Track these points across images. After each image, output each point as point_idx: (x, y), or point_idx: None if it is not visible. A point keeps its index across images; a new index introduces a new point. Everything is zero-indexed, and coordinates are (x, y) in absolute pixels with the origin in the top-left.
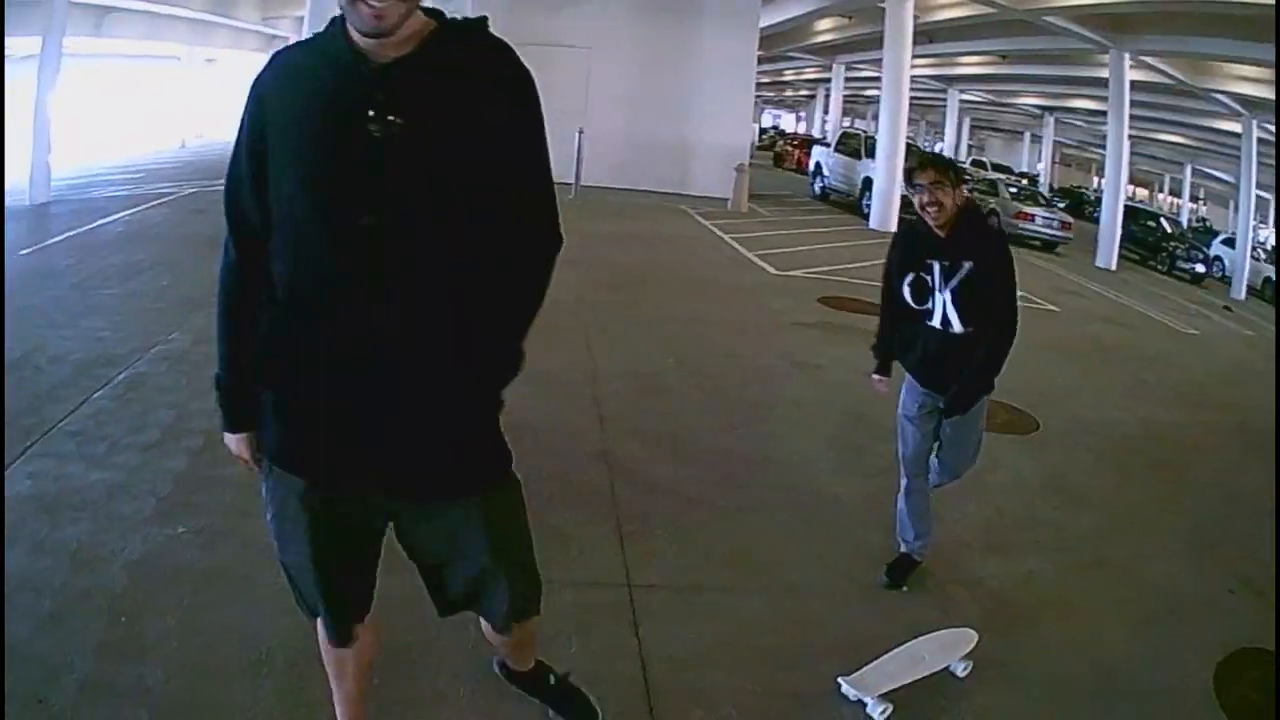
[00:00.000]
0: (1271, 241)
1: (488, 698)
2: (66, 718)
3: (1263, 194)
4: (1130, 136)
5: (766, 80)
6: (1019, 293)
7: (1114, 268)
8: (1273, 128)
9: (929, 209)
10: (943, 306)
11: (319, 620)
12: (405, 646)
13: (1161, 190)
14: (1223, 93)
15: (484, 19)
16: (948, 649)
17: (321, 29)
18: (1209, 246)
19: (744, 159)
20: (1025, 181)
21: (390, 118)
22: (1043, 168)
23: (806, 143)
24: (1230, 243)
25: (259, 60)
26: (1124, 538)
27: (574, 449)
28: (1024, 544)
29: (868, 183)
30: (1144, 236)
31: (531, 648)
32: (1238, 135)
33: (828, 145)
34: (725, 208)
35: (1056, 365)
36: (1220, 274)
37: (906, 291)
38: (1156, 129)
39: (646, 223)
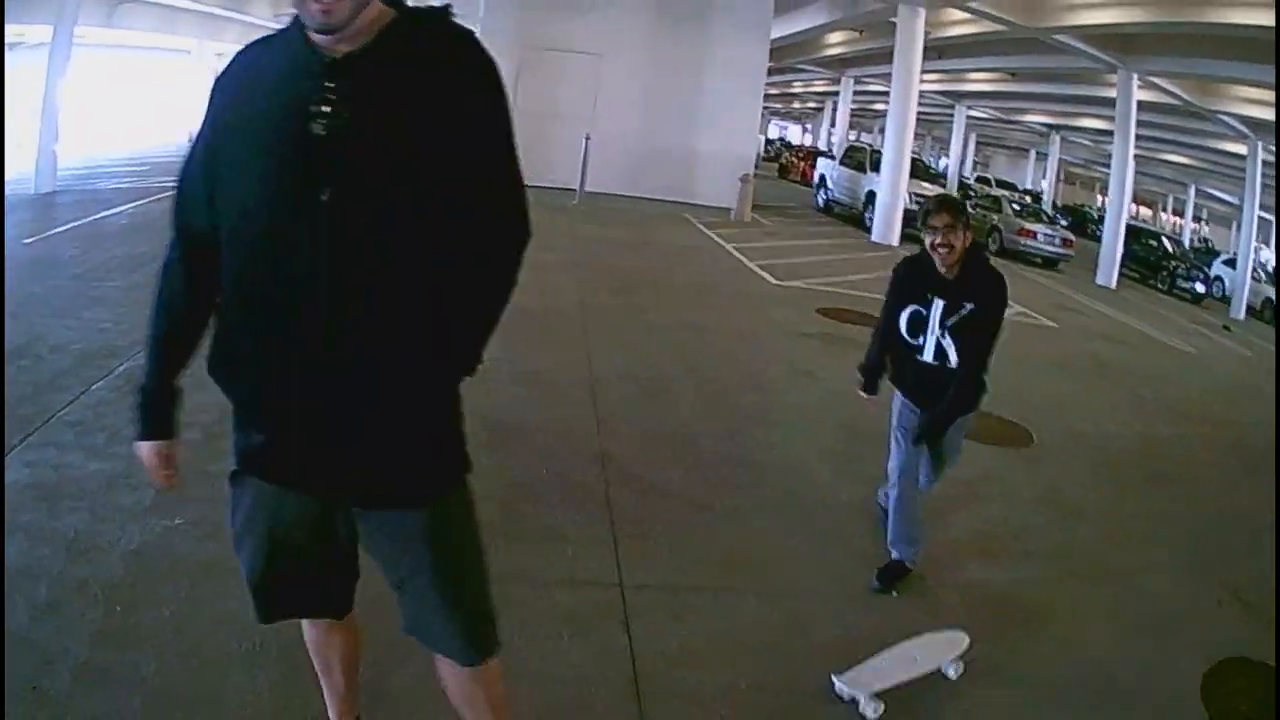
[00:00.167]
0: (1272, 263)
1: None
2: (61, 705)
3: (1265, 215)
4: (1135, 156)
5: (775, 92)
6: (1017, 308)
7: (1114, 286)
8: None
9: (939, 249)
10: (936, 343)
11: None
12: (399, 639)
13: (1165, 210)
14: (1228, 114)
15: (447, 8)
16: (940, 650)
17: None
18: (1210, 267)
19: (749, 169)
20: (1029, 199)
21: (338, 112)
22: (1047, 185)
23: (812, 155)
24: (1231, 263)
25: None
26: (1117, 549)
27: (571, 450)
28: (1016, 553)
29: (871, 196)
30: (1145, 255)
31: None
32: (1242, 157)
33: (833, 158)
34: (729, 217)
35: (1053, 380)
36: (1220, 294)
37: (903, 324)
38: (1161, 149)
39: (649, 229)
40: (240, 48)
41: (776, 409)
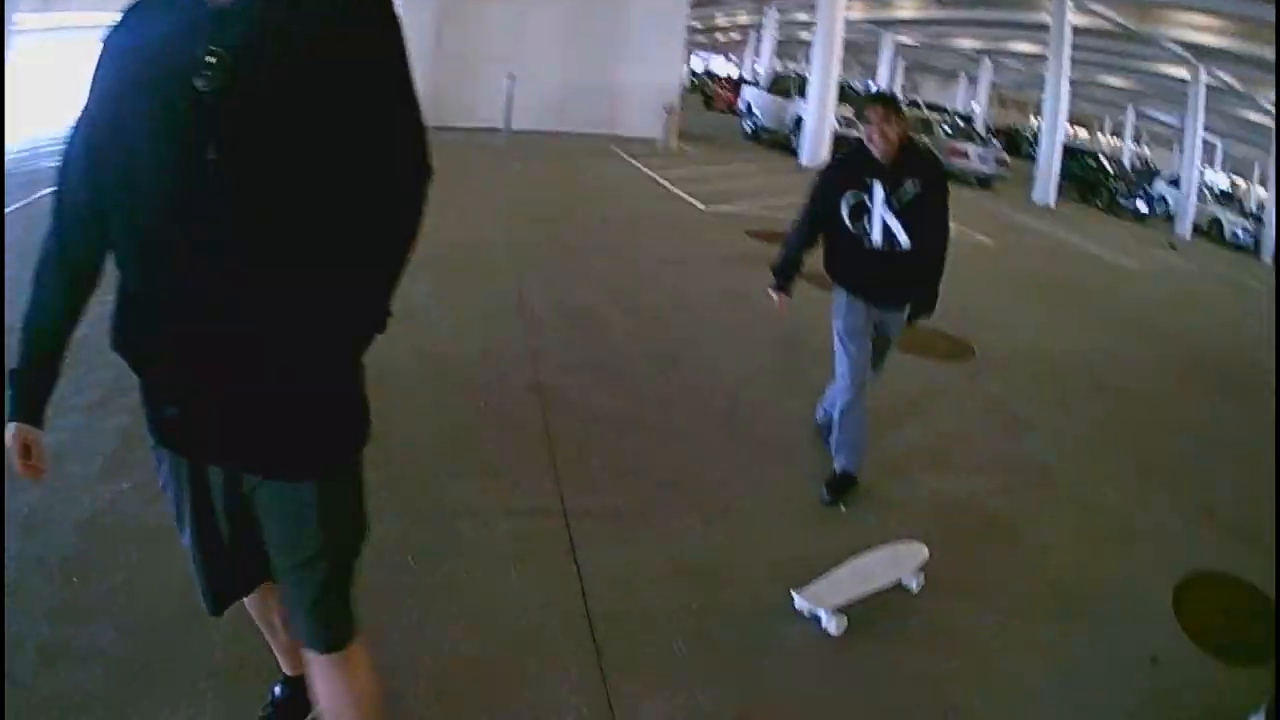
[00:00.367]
0: (1220, 185)
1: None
2: (29, 686)
3: (1209, 139)
4: (1071, 81)
5: (699, 25)
6: (954, 226)
7: (1053, 204)
8: (1223, 75)
9: (876, 139)
10: (883, 225)
11: None
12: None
13: (1102, 131)
14: (1170, 39)
15: None
16: (899, 562)
17: None
18: (1151, 186)
19: (674, 100)
20: (960, 121)
21: (221, 64)
22: (979, 109)
23: (736, 85)
24: (1175, 183)
25: None
26: (1070, 461)
27: (506, 382)
28: (966, 465)
29: (799, 121)
30: (1083, 175)
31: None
32: (1183, 80)
33: (759, 86)
34: (655, 148)
35: (993, 296)
36: (1164, 213)
37: (845, 211)
38: (1098, 72)
39: (576, 163)
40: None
41: (709, 330)
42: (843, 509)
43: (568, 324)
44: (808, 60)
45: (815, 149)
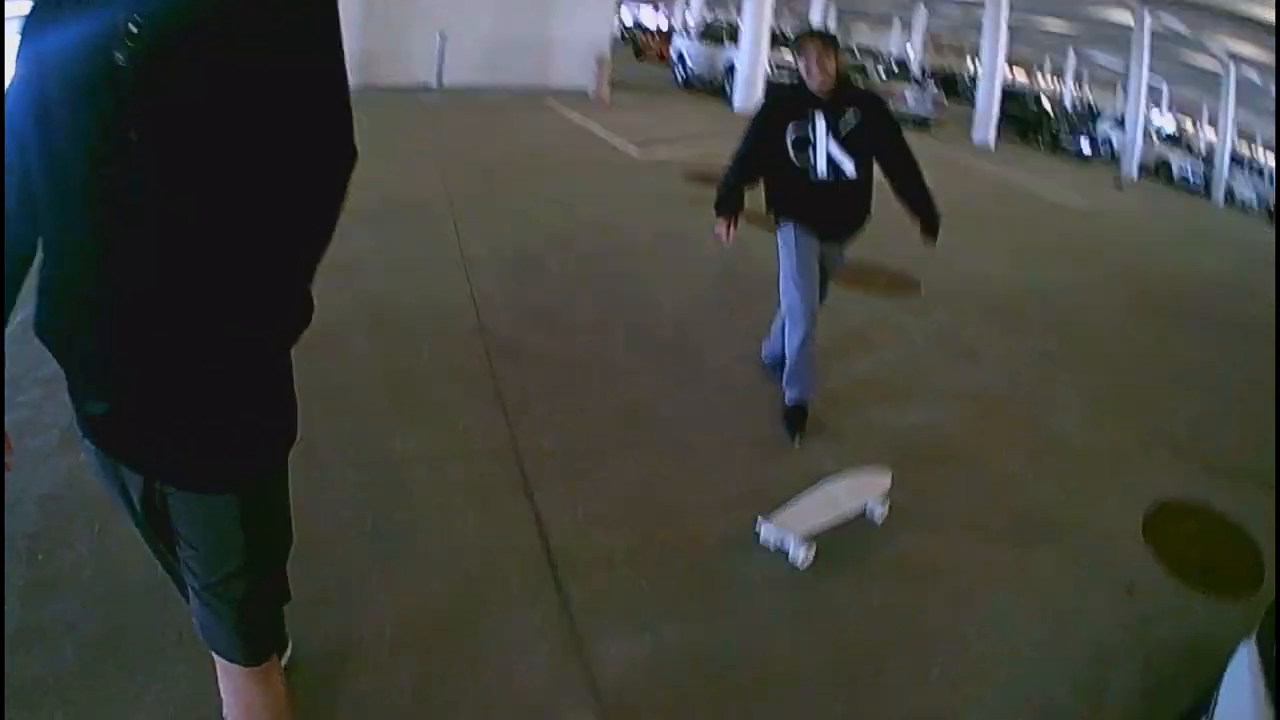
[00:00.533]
0: (1167, 129)
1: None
2: (9, 674)
3: (1154, 82)
4: (1010, 27)
5: None
6: None
7: (992, 144)
8: (1169, 19)
9: (814, 72)
10: (827, 156)
11: None
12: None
13: (1043, 73)
14: None
15: None
16: (862, 490)
17: None
18: (1095, 128)
19: (605, 51)
20: (895, 66)
21: (141, 37)
22: (914, 53)
23: (667, 35)
24: (1120, 124)
25: None
26: (1023, 391)
27: (451, 330)
28: (917, 395)
29: (731, 68)
30: (1023, 117)
31: None
32: (1126, 26)
33: (690, 35)
34: (587, 99)
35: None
36: (1109, 154)
37: (789, 145)
38: (1038, 16)
39: (509, 116)
40: None
41: (650, 271)
42: (797, 443)
43: (508, 270)
44: (738, 9)
45: (748, 95)
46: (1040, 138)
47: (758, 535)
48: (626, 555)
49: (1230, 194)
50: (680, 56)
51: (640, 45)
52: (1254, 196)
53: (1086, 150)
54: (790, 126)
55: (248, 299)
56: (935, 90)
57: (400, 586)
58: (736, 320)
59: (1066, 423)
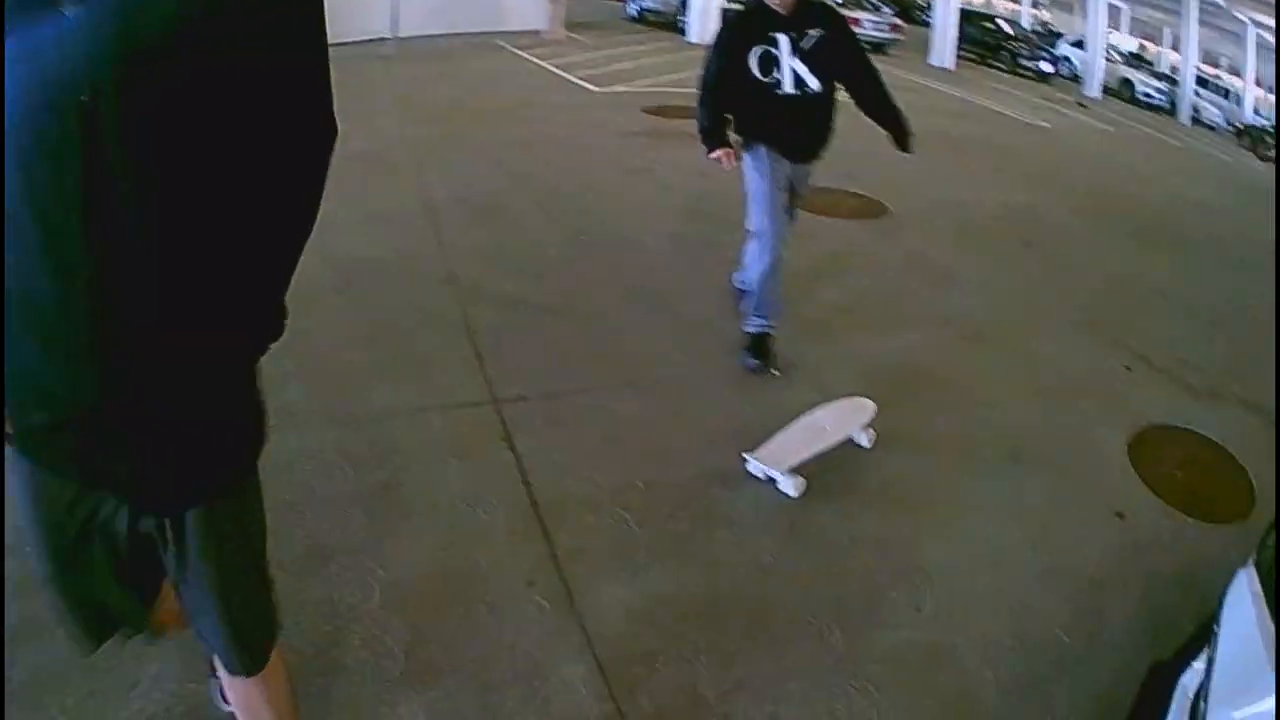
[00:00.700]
0: (1127, 47)
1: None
2: (11, 673)
3: (1116, 2)
4: None
5: None
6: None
7: (952, 67)
8: None
9: None
10: (793, 72)
11: None
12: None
13: None
14: None
15: None
16: (848, 417)
17: None
18: (1054, 48)
19: None
20: None
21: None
22: None
23: None
24: (1080, 44)
25: None
26: (1000, 314)
27: (420, 279)
28: (894, 321)
29: (685, 1)
30: (981, 38)
31: None
32: None
33: None
34: (542, 38)
35: (900, 154)
36: (1070, 74)
37: (754, 64)
38: None
39: (465, 61)
40: None
41: (615, 207)
42: (775, 372)
43: (474, 215)
44: None
45: (704, 26)
46: (999, 59)
47: (746, 469)
48: (611, 499)
49: (1197, 113)
50: None
51: None
52: (1220, 118)
53: (1047, 69)
54: (755, 49)
55: (217, 309)
56: (892, 15)
57: (387, 545)
58: (706, 253)
59: (1045, 346)
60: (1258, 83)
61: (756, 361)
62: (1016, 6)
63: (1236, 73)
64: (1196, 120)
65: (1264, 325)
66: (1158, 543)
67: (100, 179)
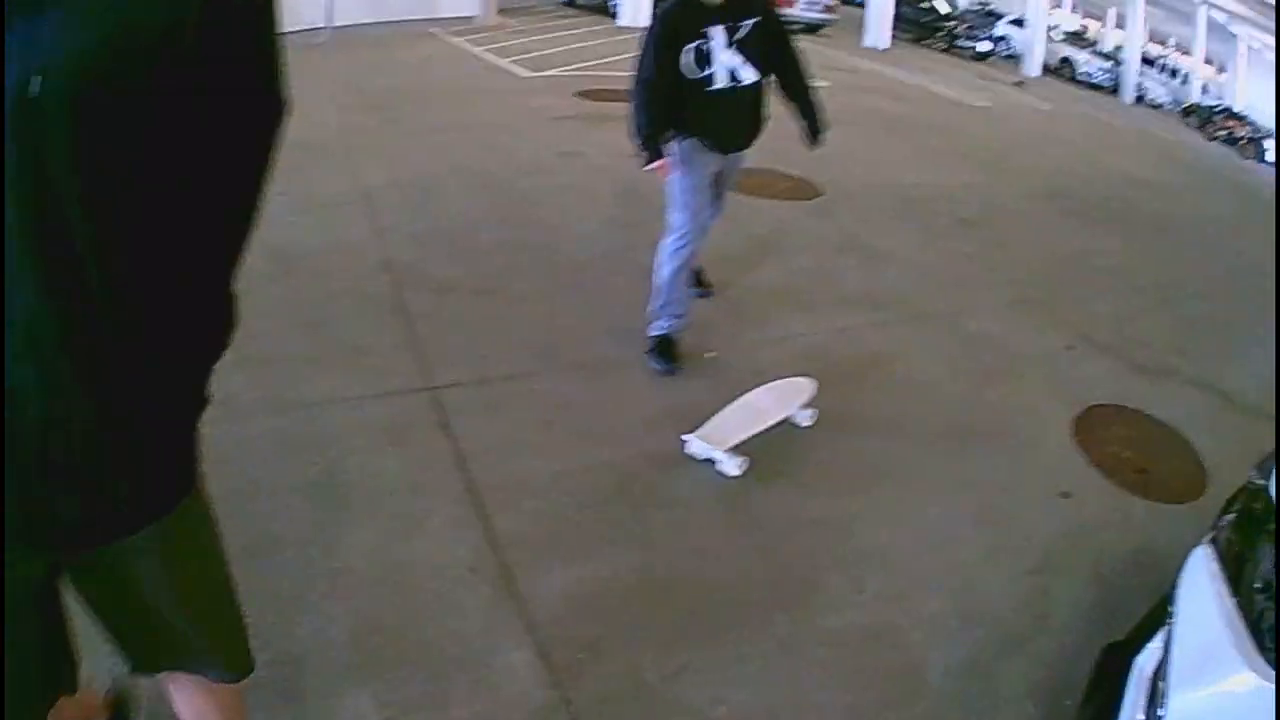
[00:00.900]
0: (1069, 25)
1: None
2: None
3: None
4: None
5: None
6: None
7: (887, 46)
8: None
9: None
10: (727, 65)
11: None
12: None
13: None
14: None
15: None
16: (787, 397)
17: None
18: (993, 27)
19: None
20: None
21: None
22: None
23: None
24: (1019, 23)
25: None
26: (939, 294)
27: (356, 263)
28: (830, 301)
29: None
30: (918, 18)
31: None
32: None
33: None
34: (474, 24)
35: (834, 135)
36: (1007, 52)
37: (686, 61)
38: None
39: (399, 49)
40: None
41: (549, 190)
42: (709, 354)
43: (409, 201)
44: None
45: (635, 10)
46: (936, 39)
47: (685, 451)
48: (550, 484)
49: (1141, 93)
50: None
51: None
52: (1167, 97)
53: (984, 48)
54: (687, 47)
55: (163, 316)
56: None
57: (330, 534)
58: (639, 235)
59: (986, 325)
60: (1207, 61)
61: (664, 365)
62: None
63: (1185, 51)
64: (1141, 99)
65: (1212, 303)
66: (1106, 522)
67: (45, 179)
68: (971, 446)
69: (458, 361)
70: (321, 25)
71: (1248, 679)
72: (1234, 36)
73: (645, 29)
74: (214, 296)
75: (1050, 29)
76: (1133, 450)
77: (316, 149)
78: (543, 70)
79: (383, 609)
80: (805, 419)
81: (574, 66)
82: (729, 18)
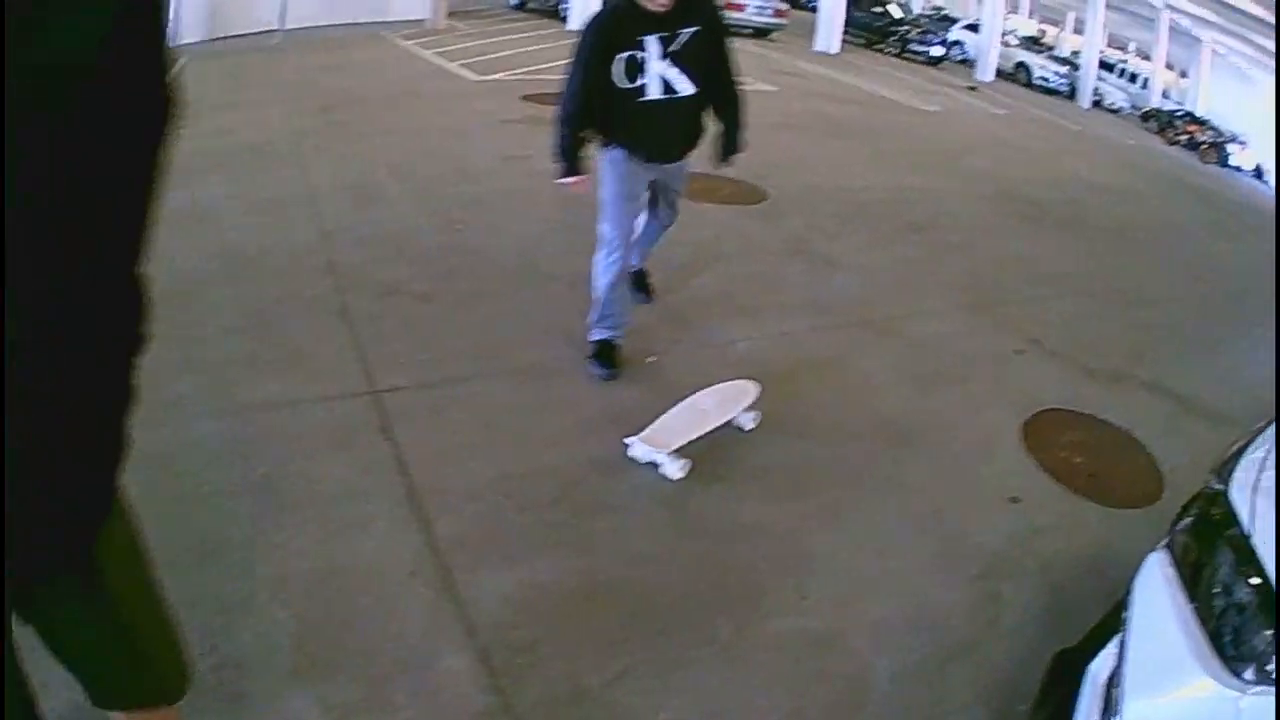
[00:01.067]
0: (1026, 32)
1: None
2: None
3: None
4: None
5: None
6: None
7: (837, 51)
8: None
9: None
10: (661, 76)
11: None
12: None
13: None
14: None
15: None
16: (730, 400)
17: None
18: (947, 32)
19: None
20: None
21: None
22: None
23: None
24: (973, 28)
25: None
26: (885, 298)
27: (301, 266)
28: (774, 306)
29: None
30: (870, 22)
31: None
32: None
33: None
34: (424, 27)
35: (783, 140)
36: (960, 57)
37: (617, 72)
38: None
39: (350, 52)
40: None
41: (491, 194)
42: (650, 359)
43: (355, 203)
44: None
45: (585, 13)
46: (888, 44)
47: (627, 455)
48: (490, 488)
49: (1098, 98)
50: None
51: None
52: (1125, 102)
53: (937, 54)
54: (619, 56)
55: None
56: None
57: (272, 538)
58: (580, 239)
59: (933, 329)
60: (1169, 66)
61: (604, 370)
62: None
63: (1146, 57)
64: (1099, 104)
65: (1169, 307)
66: (1057, 528)
67: None
68: (917, 451)
69: (400, 365)
70: (275, 27)
71: (1207, 686)
72: (1197, 41)
73: (579, 36)
74: (117, 285)
75: (1007, 34)
76: (1085, 455)
77: (266, 151)
78: (490, 74)
79: (325, 612)
80: (748, 422)
81: (521, 70)
82: (666, 26)
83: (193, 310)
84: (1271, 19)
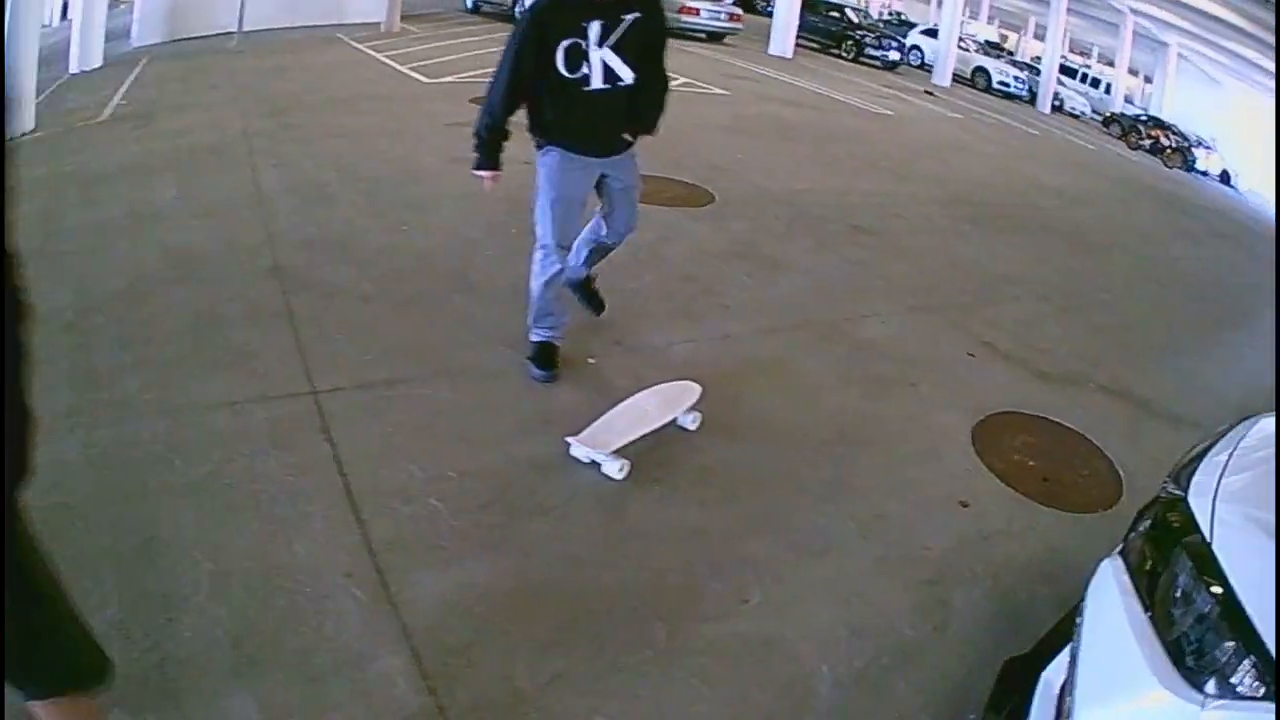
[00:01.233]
0: (985, 36)
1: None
2: None
3: None
4: None
5: None
6: (682, 79)
7: (790, 55)
8: None
9: None
10: (602, 65)
11: None
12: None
13: None
14: None
15: None
16: (672, 401)
17: None
18: (905, 36)
19: None
20: None
21: None
22: None
23: None
24: (932, 33)
25: None
26: (831, 301)
27: (246, 268)
28: (718, 308)
29: None
30: (826, 26)
31: None
32: None
33: None
34: (379, 31)
35: (731, 143)
36: (918, 62)
37: (561, 60)
38: None
39: (304, 54)
40: None
41: (436, 196)
42: (590, 361)
43: (302, 205)
44: None
45: None
46: (844, 48)
47: (567, 455)
48: (426, 489)
49: (1059, 102)
50: None
51: None
52: (1086, 107)
53: (894, 58)
54: (563, 43)
55: None
56: (730, 3)
57: (212, 537)
58: (525, 243)
59: (880, 332)
60: (1132, 71)
61: (543, 371)
62: None
63: (1109, 62)
64: (1059, 109)
65: (1127, 311)
66: (1008, 532)
67: None
68: (863, 454)
69: (340, 366)
70: (234, 30)
71: (1162, 697)
72: (1162, 45)
73: (515, 24)
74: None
75: (965, 39)
76: (1039, 459)
77: (219, 154)
78: (441, 76)
79: (263, 612)
80: (690, 422)
81: (471, 73)
82: (609, 14)
83: (140, 311)
84: (1245, 25)
